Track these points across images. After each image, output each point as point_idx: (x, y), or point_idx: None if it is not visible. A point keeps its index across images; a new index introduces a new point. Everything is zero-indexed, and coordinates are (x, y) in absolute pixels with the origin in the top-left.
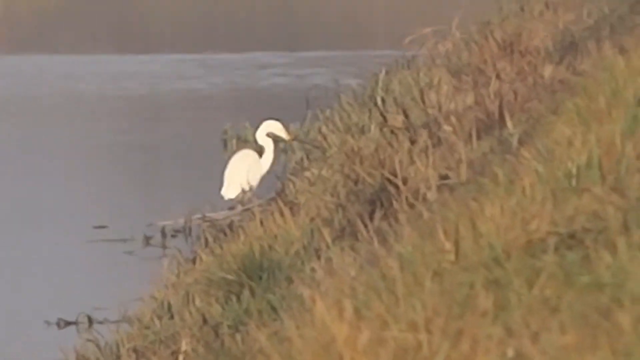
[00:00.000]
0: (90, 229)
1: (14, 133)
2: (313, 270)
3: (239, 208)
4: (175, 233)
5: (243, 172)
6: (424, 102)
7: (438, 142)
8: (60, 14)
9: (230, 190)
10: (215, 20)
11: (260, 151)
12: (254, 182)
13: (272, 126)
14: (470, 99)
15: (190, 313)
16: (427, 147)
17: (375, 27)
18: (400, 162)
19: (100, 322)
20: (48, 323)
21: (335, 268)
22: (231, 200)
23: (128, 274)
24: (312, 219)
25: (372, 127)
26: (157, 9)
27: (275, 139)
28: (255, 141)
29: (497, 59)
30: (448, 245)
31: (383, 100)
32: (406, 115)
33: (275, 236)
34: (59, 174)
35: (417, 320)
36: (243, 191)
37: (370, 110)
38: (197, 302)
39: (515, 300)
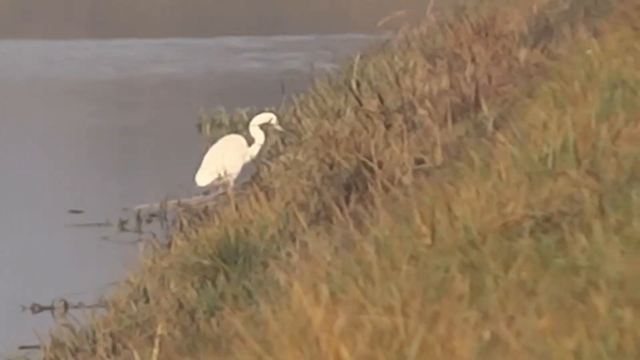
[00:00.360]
0: (66, 213)
1: None
2: (289, 254)
3: (215, 192)
4: (151, 218)
5: (219, 159)
6: (399, 86)
7: (413, 126)
8: None
9: (203, 177)
10: (191, 4)
11: (250, 140)
12: (235, 168)
13: (267, 118)
14: (445, 83)
15: (166, 297)
16: (402, 131)
17: (350, 11)
18: (376, 146)
19: (76, 307)
20: (23, 308)
21: (311, 252)
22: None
23: (104, 259)
24: (287, 203)
25: (348, 111)
26: None
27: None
28: (230, 125)
29: (472, 43)
30: (424, 229)
31: (358, 84)
32: (381, 99)
33: (251, 220)
34: (35, 158)
35: (393, 304)
36: (219, 177)
37: (345, 95)
38: (173, 286)
39: (491, 283)
